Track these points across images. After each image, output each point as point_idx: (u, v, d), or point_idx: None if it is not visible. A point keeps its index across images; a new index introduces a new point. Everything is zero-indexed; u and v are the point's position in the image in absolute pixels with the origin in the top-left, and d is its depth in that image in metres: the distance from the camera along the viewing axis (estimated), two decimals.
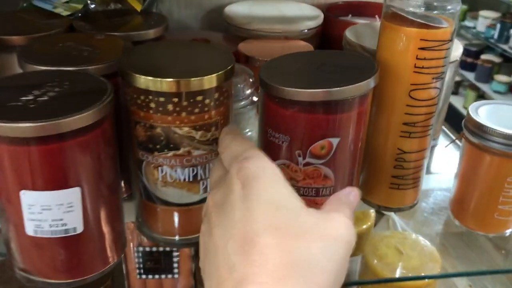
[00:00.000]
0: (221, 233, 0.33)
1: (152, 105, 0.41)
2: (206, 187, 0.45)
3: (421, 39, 0.45)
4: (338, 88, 0.42)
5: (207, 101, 0.41)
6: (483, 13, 3.11)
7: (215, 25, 0.82)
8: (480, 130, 0.51)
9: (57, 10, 0.60)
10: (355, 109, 0.44)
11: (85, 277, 0.44)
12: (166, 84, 0.39)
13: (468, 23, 3.28)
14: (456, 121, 0.74)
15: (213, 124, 0.43)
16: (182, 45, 0.50)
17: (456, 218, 0.54)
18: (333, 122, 0.43)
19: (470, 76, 3.15)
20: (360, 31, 0.64)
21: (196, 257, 0.77)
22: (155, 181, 0.44)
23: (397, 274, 0.70)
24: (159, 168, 0.43)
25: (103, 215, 0.43)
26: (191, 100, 0.41)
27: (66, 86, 0.41)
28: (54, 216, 0.39)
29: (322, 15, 0.76)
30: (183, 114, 0.41)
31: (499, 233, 0.54)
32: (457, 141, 0.53)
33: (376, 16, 0.79)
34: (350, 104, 0.44)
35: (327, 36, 0.77)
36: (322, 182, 0.45)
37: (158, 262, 0.78)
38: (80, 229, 0.41)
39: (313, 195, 0.46)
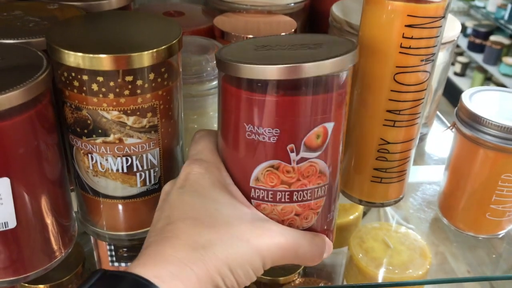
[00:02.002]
0: (158, 214, 0.36)
1: (76, 83, 0.36)
2: (144, 179, 0.40)
3: (408, 15, 0.39)
4: (331, 60, 0.35)
5: (139, 82, 0.36)
6: None
7: None
8: (473, 120, 0.46)
9: None
10: (344, 86, 0.38)
11: (27, 274, 0.40)
12: (85, 60, 0.34)
13: (478, 2, 3.18)
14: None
15: (148, 109, 0.38)
16: (127, 17, 0.44)
17: (445, 216, 0.48)
18: (328, 102, 0.36)
19: (478, 58, 3.07)
20: (348, 7, 0.58)
21: None
22: (86, 169, 0.40)
23: (383, 270, 0.65)
24: (89, 155, 0.39)
25: (43, 207, 0.39)
26: (119, 80, 0.36)
27: None
28: None
29: None
30: (111, 96, 0.36)
31: (491, 235, 0.49)
32: (451, 130, 0.48)
33: None
34: (340, 80, 0.37)
35: (314, 11, 0.70)
36: (318, 180, 0.38)
37: (132, 250, 0.74)
38: (12, 224, 0.37)
39: (308, 199, 0.39)
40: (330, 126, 0.37)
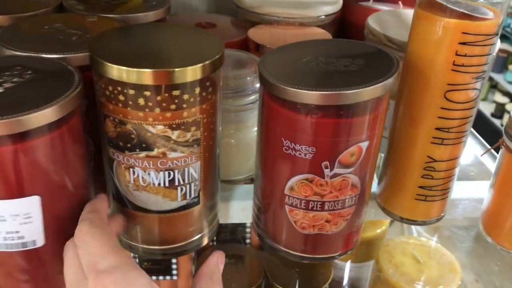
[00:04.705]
0: None
1: (121, 97, 0.35)
2: (185, 194, 0.40)
3: (462, 33, 0.39)
4: (371, 87, 0.36)
5: (185, 96, 0.36)
6: None
7: (223, 8, 0.75)
8: None
9: None
10: (380, 107, 0.39)
11: None
12: (133, 74, 0.34)
13: None
14: None
15: (193, 123, 0.37)
16: (166, 29, 0.44)
17: (489, 234, 0.48)
18: (363, 124, 0.38)
19: None
20: (384, 19, 0.57)
21: (197, 259, 0.72)
22: (126, 183, 0.39)
23: (414, 286, 0.65)
24: (131, 169, 0.38)
25: (69, 224, 0.37)
26: (166, 95, 0.35)
27: (28, 76, 0.35)
28: (9, 228, 0.34)
29: (341, 0, 0.69)
30: (157, 110, 0.35)
31: None
32: (500, 147, 0.47)
33: (400, 2, 0.72)
34: (378, 102, 0.38)
35: (346, 23, 0.70)
36: (349, 192, 0.40)
37: (156, 263, 0.73)
38: (40, 242, 0.36)
39: (339, 208, 0.40)
40: (364, 145, 0.38)
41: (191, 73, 0.35)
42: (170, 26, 0.47)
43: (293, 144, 0.38)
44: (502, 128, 0.46)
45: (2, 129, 0.30)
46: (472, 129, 0.73)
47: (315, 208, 0.40)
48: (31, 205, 0.34)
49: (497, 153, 0.48)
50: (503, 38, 3.09)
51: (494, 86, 3.05)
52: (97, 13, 0.48)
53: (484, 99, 3.03)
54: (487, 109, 2.93)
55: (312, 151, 0.37)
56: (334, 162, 0.38)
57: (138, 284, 0.32)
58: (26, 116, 0.31)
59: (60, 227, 0.37)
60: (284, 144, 0.38)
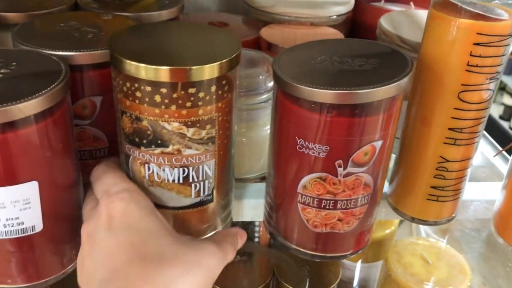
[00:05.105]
0: (92, 262, 0.35)
1: (138, 94, 0.36)
2: (199, 190, 0.40)
3: (477, 33, 0.39)
4: (385, 87, 0.36)
5: (201, 94, 0.36)
6: None
7: (234, 7, 0.75)
8: None
9: None
10: (394, 107, 0.39)
11: (45, 279, 0.40)
12: (150, 71, 0.34)
13: None
14: None
15: (208, 121, 0.37)
16: (183, 28, 0.44)
17: (501, 235, 0.48)
18: (377, 123, 0.38)
19: None
20: (396, 20, 0.58)
21: None
22: (141, 179, 0.40)
23: (423, 287, 0.65)
24: (146, 165, 0.39)
25: (63, 210, 0.39)
26: (182, 92, 0.35)
27: (14, 67, 0.36)
28: (9, 215, 0.35)
29: (352, 0, 0.69)
30: (173, 107, 0.36)
31: None
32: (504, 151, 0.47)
33: (411, 3, 0.72)
34: (392, 102, 0.38)
35: (357, 24, 0.70)
36: (362, 191, 0.40)
37: None
38: (39, 227, 0.37)
39: (351, 207, 0.40)
40: (378, 144, 0.39)
41: (208, 71, 0.35)
42: (186, 25, 0.47)
43: (306, 142, 0.38)
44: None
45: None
46: (488, 135, 0.73)
47: (327, 207, 0.40)
48: (30, 190, 0.35)
49: (509, 155, 0.48)
50: None
51: (502, 88, 3.04)
52: (111, 11, 0.49)
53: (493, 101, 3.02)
54: (495, 111, 2.92)
55: (325, 149, 0.38)
56: (348, 161, 0.38)
57: (141, 203, 0.37)
58: (20, 105, 0.32)
59: (56, 212, 0.38)
60: (298, 142, 0.39)
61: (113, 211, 0.36)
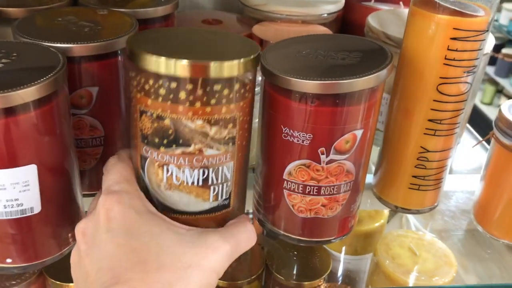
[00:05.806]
0: (91, 262, 0.35)
1: (162, 91, 0.35)
2: (217, 194, 0.39)
3: (454, 28, 0.41)
4: (365, 77, 0.38)
5: (225, 91, 0.36)
6: (506, 5, 3.02)
7: (229, 6, 0.77)
8: None
9: None
10: (374, 98, 0.41)
11: (43, 260, 0.42)
12: (180, 67, 0.34)
13: None
14: (472, 117, 0.70)
15: (231, 120, 0.37)
16: (201, 33, 0.44)
17: (479, 223, 0.50)
18: (358, 113, 0.40)
19: (490, 70, 3.07)
20: (384, 18, 0.60)
21: None
22: (158, 182, 0.39)
23: (410, 277, 0.67)
24: (164, 167, 0.38)
25: (60, 193, 0.41)
26: (208, 89, 0.35)
27: (14, 58, 0.38)
28: (9, 196, 0.37)
29: None
30: (197, 104, 0.35)
31: None
32: (484, 141, 0.49)
33: (401, 2, 0.74)
34: (372, 93, 0.40)
35: (347, 22, 0.72)
36: (344, 178, 0.42)
37: None
38: (37, 209, 0.39)
39: (334, 193, 0.42)
40: (359, 133, 0.41)
41: (236, 66, 0.35)
42: (203, 31, 0.47)
43: (291, 131, 0.40)
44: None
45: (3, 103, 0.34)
46: (476, 133, 0.75)
47: (311, 193, 0.42)
48: (29, 173, 0.37)
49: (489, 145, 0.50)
50: (509, 43, 3.10)
51: (500, 91, 3.06)
52: (108, 7, 0.51)
53: (490, 104, 3.04)
54: (492, 113, 2.94)
55: (309, 137, 0.40)
56: (330, 148, 0.40)
57: (136, 207, 0.36)
58: (21, 91, 0.34)
59: (53, 194, 0.40)
60: (283, 131, 0.41)
61: (110, 212, 0.36)
